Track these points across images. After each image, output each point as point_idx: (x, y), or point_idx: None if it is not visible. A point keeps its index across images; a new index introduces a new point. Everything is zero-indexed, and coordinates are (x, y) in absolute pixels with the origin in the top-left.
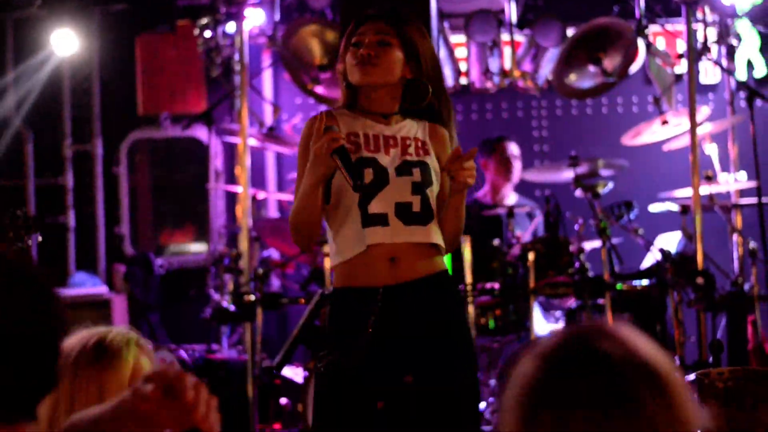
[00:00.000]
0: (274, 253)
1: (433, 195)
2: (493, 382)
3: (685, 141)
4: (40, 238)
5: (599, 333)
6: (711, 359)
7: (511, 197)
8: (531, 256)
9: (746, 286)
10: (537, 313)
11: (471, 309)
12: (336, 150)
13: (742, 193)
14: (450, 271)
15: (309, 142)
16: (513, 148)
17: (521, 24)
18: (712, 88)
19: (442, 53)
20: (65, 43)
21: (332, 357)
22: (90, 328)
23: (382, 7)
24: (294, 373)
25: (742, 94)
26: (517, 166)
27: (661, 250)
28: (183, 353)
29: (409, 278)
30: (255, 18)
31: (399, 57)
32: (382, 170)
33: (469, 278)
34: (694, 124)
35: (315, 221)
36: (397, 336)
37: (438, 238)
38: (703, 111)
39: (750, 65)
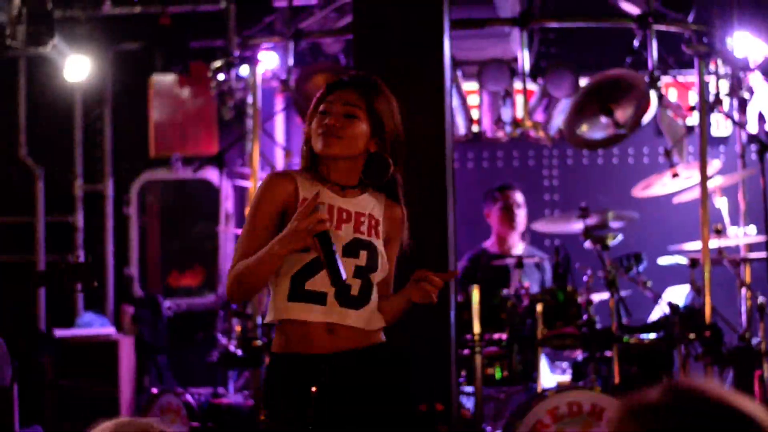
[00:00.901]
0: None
1: (374, 279)
2: None
3: (695, 194)
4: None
5: (703, 390)
6: None
7: (518, 247)
8: (539, 307)
9: (754, 341)
10: (544, 364)
11: (478, 359)
12: (319, 234)
13: (752, 247)
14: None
15: (268, 195)
16: (517, 197)
17: (534, 72)
18: (723, 140)
19: (455, 102)
20: (78, 70)
21: (274, 423)
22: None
23: (357, 76)
24: None
25: (753, 148)
26: (520, 214)
27: (670, 303)
28: (189, 397)
29: (347, 348)
30: (268, 62)
31: (364, 130)
32: None
33: (476, 328)
34: (704, 177)
35: (262, 286)
36: (340, 404)
37: (370, 323)
38: (714, 164)
39: (762, 118)
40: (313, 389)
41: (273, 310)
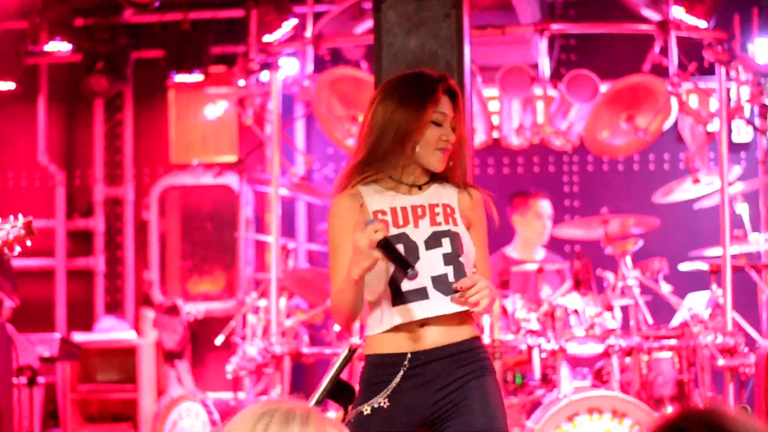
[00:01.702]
0: (301, 302)
1: (467, 261)
2: None
3: (716, 200)
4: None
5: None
6: None
7: (540, 252)
8: (559, 312)
9: None
10: (564, 369)
11: (498, 364)
12: (379, 243)
13: None
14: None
15: (340, 221)
16: (547, 208)
17: (554, 79)
18: (744, 147)
19: (475, 107)
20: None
21: (352, 417)
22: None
23: (447, 77)
24: None
25: None
26: (550, 225)
27: (690, 310)
28: (209, 402)
29: (438, 344)
30: (289, 67)
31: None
32: (413, 246)
33: (496, 334)
34: (725, 183)
35: (358, 308)
36: (419, 395)
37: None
38: (735, 170)
39: None
40: (398, 377)
41: (378, 320)
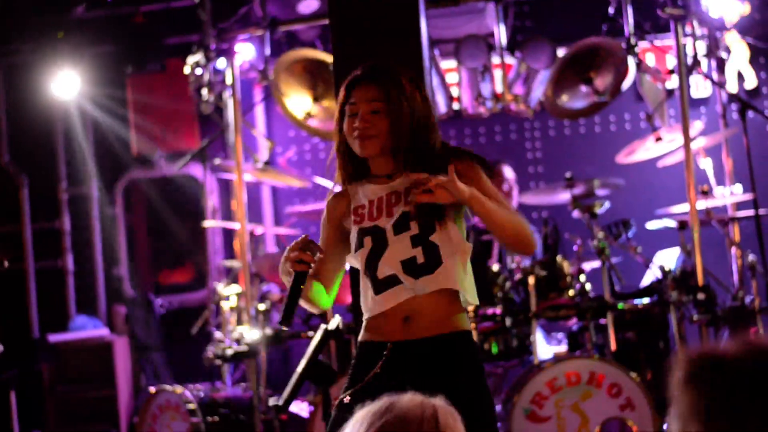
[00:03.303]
0: (273, 288)
1: (441, 237)
2: (498, 407)
3: (679, 156)
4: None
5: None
6: None
7: None
8: (531, 279)
9: (747, 300)
10: (539, 336)
11: (474, 335)
12: (297, 273)
13: (739, 206)
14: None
15: (330, 216)
16: (509, 173)
17: (511, 46)
18: (703, 101)
19: (434, 81)
20: (62, 85)
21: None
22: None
23: (369, 68)
24: (299, 408)
25: (734, 107)
26: (515, 190)
27: (661, 267)
28: (187, 393)
29: (421, 336)
30: (245, 53)
31: (392, 121)
32: (380, 235)
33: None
34: (687, 140)
35: (311, 302)
36: (399, 385)
37: (451, 281)
38: (696, 125)
39: (740, 77)
40: (375, 369)
41: (365, 307)
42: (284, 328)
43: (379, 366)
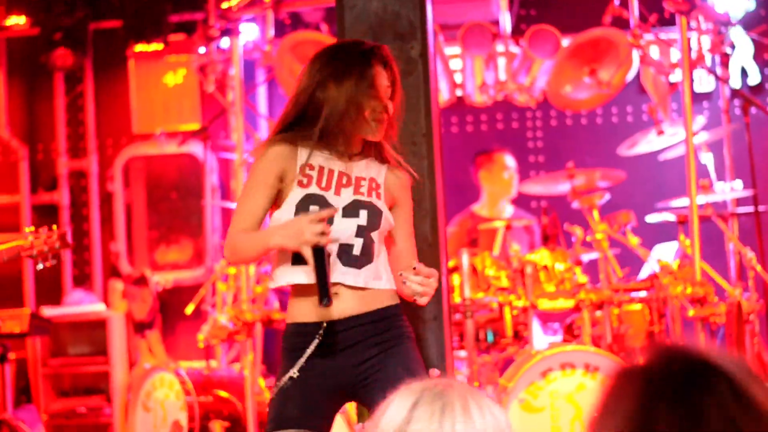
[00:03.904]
0: (270, 268)
1: (377, 238)
2: (492, 396)
3: (681, 150)
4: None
5: (694, 348)
6: None
7: (507, 209)
8: (528, 269)
9: (744, 296)
10: (535, 325)
11: (470, 323)
12: (317, 248)
13: (739, 201)
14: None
15: (267, 165)
16: (510, 161)
17: (515, 35)
18: (706, 96)
19: (439, 67)
20: (59, 59)
21: (274, 387)
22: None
23: (385, 50)
24: None
25: (737, 102)
26: (514, 178)
27: (659, 261)
28: (182, 371)
29: (352, 313)
30: (249, 33)
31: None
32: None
33: (467, 293)
34: (689, 134)
35: (254, 261)
36: (336, 363)
37: (375, 281)
38: (699, 120)
39: (744, 73)
40: (312, 346)
41: (280, 275)
42: (326, 304)
43: (315, 345)
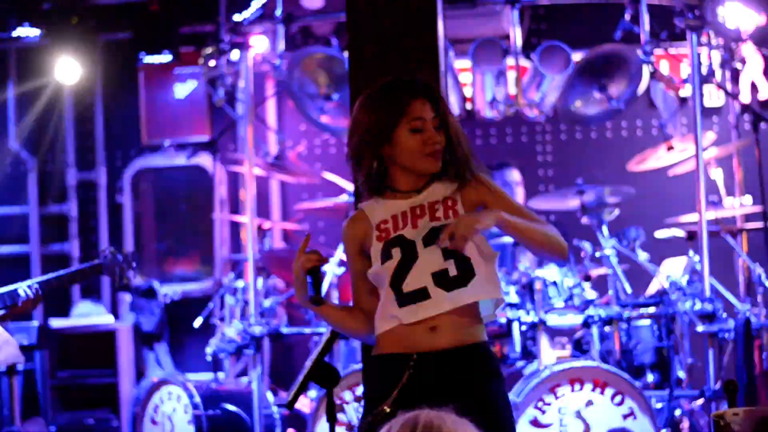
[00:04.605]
0: (278, 281)
1: (471, 249)
2: None
3: (690, 166)
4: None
5: None
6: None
7: None
8: (537, 285)
9: (753, 312)
10: (544, 340)
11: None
12: (310, 270)
13: (748, 217)
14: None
15: (352, 243)
16: (515, 175)
17: (526, 49)
18: (716, 111)
19: (449, 81)
20: (68, 71)
21: (363, 420)
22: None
23: (417, 82)
24: (301, 404)
25: (747, 118)
26: (519, 193)
27: (668, 277)
28: (189, 385)
29: (446, 346)
30: (259, 46)
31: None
32: (409, 246)
33: None
34: (699, 149)
35: (353, 331)
36: (424, 401)
37: (485, 290)
38: (709, 136)
39: (754, 88)
40: (400, 383)
41: (383, 319)
42: (316, 306)
43: (407, 378)
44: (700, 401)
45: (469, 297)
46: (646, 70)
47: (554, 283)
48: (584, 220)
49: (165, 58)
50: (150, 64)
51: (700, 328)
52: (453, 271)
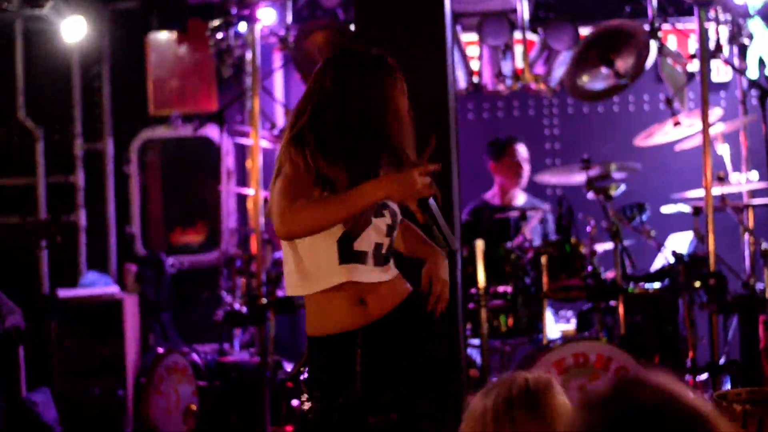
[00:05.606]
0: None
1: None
2: None
3: (697, 141)
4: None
5: (643, 386)
6: (729, 380)
7: (520, 198)
8: (543, 259)
9: (758, 287)
10: (549, 315)
11: (483, 312)
12: (424, 200)
13: (754, 193)
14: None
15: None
16: (523, 151)
17: (533, 23)
18: (723, 86)
19: (456, 56)
20: (75, 29)
21: (319, 405)
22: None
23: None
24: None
25: (754, 93)
26: (527, 169)
27: (673, 252)
28: (195, 356)
29: (379, 315)
30: (267, 18)
31: None
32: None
33: (481, 282)
34: (706, 125)
35: (329, 228)
36: (382, 372)
37: (396, 274)
38: (715, 111)
39: (762, 64)
40: (356, 364)
41: (313, 278)
42: (453, 251)
43: (359, 357)
44: (705, 376)
45: (387, 275)
46: (653, 45)
47: (559, 258)
48: (590, 194)
49: (173, 29)
50: (158, 35)
51: (704, 304)
52: (384, 249)
